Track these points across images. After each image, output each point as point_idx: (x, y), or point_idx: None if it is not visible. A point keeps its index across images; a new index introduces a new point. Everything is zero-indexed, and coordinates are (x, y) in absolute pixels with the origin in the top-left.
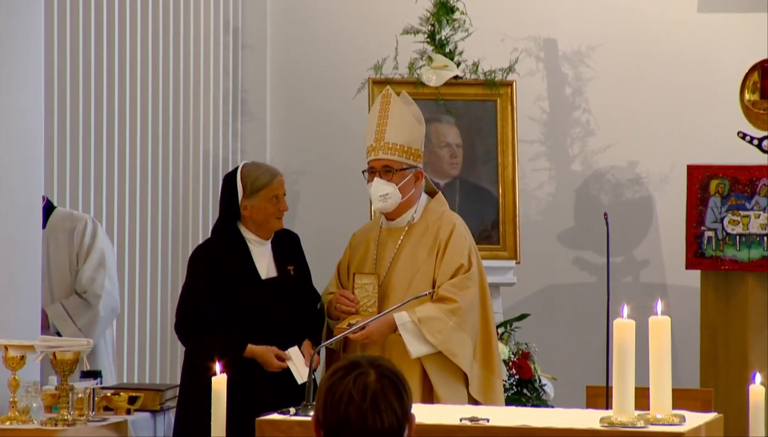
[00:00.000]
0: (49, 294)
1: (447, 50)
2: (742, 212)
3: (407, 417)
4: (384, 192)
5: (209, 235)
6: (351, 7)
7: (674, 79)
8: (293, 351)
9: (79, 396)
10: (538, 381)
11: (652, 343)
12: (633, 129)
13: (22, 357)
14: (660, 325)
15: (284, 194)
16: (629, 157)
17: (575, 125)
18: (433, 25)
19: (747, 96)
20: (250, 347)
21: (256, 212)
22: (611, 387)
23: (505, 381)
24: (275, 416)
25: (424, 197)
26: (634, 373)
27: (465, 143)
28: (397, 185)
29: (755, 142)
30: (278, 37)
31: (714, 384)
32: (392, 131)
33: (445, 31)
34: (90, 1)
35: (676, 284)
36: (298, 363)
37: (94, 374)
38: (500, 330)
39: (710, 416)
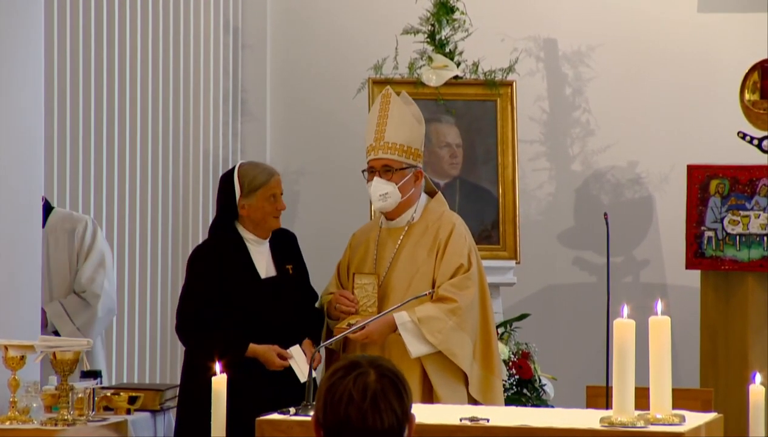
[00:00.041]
0: (48, 294)
1: (447, 50)
2: (742, 212)
3: (407, 417)
4: (384, 191)
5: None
6: (351, 7)
7: (674, 79)
8: (295, 350)
9: (79, 396)
10: (538, 381)
11: (652, 343)
12: (633, 129)
13: (22, 357)
14: (660, 325)
15: (281, 194)
16: (629, 157)
17: (575, 125)
18: (433, 25)
19: (747, 96)
20: (252, 346)
21: (253, 211)
22: (611, 387)
23: (505, 381)
24: (275, 416)
25: (423, 197)
26: (634, 373)
27: (465, 143)
28: (396, 184)
29: (755, 142)
30: (278, 37)
31: (714, 384)
32: (392, 130)
33: (445, 31)
34: (90, 1)
35: (676, 284)
36: (300, 362)
37: (94, 374)
38: (500, 330)
39: (710, 416)
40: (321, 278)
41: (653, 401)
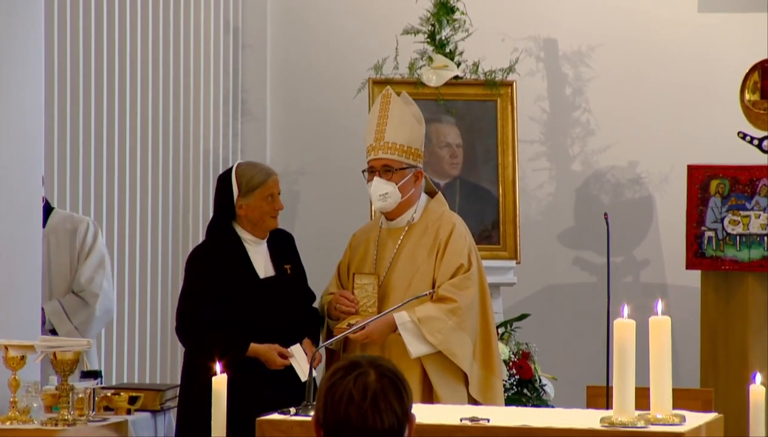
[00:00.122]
0: (49, 295)
1: (447, 50)
2: (742, 212)
3: (407, 417)
4: (384, 191)
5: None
6: (351, 7)
7: (674, 79)
8: (296, 349)
9: (80, 396)
10: (538, 381)
11: (653, 343)
12: (633, 129)
13: (23, 357)
14: (660, 325)
15: (279, 193)
16: (629, 157)
17: (575, 125)
18: (433, 25)
19: (747, 96)
20: (253, 346)
21: (251, 211)
22: (611, 387)
23: (506, 381)
24: (275, 416)
25: (423, 197)
26: (635, 373)
27: (465, 143)
28: (396, 184)
29: (755, 142)
30: (278, 37)
31: (714, 384)
32: (392, 130)
33: (446, 31)
34: (90, 1)
35: (677, 284)
36: (301, 361)
37: (95, 374)
38: (500, 330)
39: (710, 416)
40: (321, 278)
41: (653, 401)
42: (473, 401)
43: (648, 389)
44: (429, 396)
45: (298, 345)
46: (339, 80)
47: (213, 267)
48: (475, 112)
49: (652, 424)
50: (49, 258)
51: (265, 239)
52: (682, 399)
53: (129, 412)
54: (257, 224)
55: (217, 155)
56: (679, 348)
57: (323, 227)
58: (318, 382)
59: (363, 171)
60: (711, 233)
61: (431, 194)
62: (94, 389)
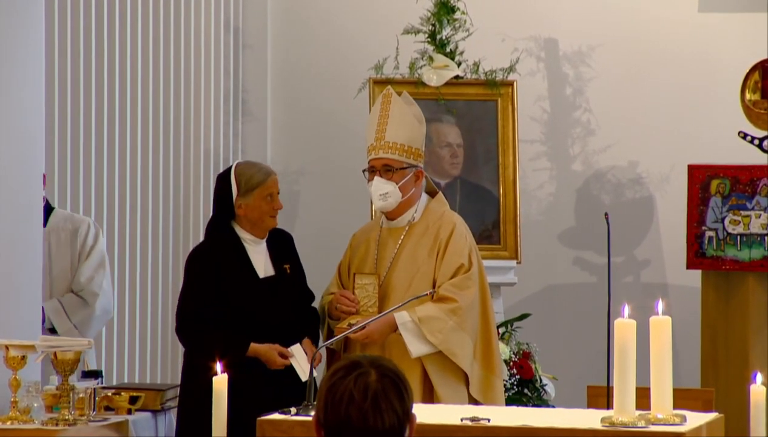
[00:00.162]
0: (49, 295)
1: (448, 50)
2: (742, 212)
3: (408, 417)
4: (384, 191)
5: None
6: (351, 7)
7: (675, 79)
8: (296, 349)
9: (80, 395)
10: (539, 380)
11: (653, 343)
12: (633, 129)
13: (23, 357)
14: (661, 325)
15: (278, 193)
16: (630, 157)
17: (576, 125)
18: (433, 24)
19: (748, 96)
20: (253, 345)
21: (250, 210)
22: (612, 387)
23: (506, 381)
24: (276, 416)
25: (424, 197)
26: (635, 373)
27: (466, 142)
28: (397, 184)
29: (756, 142)
30: (278, 37)
31: (715, 384)
32: (393, 130)
33: (446, 31)
34: (90, 1)
35: (677, 284)
36: (301, 361)
37: (95, 374)
38: (501, 330)
39: (711, 416)
40: (321, 278)
41: (654, 401)
42: (474, 401)
43: (649, 389)
44: (429, 396)
45: (298, 344)
46: (339, 80)
47: (212, 267)
48: (475, 112)
49: (653, 424)
50: (50, 258)
51: (265, 239)
52: (682, 399)
53: (130, 412)
54: (256, 224)
55: (217, 155)
56: (679, 348)
57: (323, 227)
58: (318, 382)
59: (363, 171)
60: (711, 233)
61: (432, 193)
62: (94, 389)
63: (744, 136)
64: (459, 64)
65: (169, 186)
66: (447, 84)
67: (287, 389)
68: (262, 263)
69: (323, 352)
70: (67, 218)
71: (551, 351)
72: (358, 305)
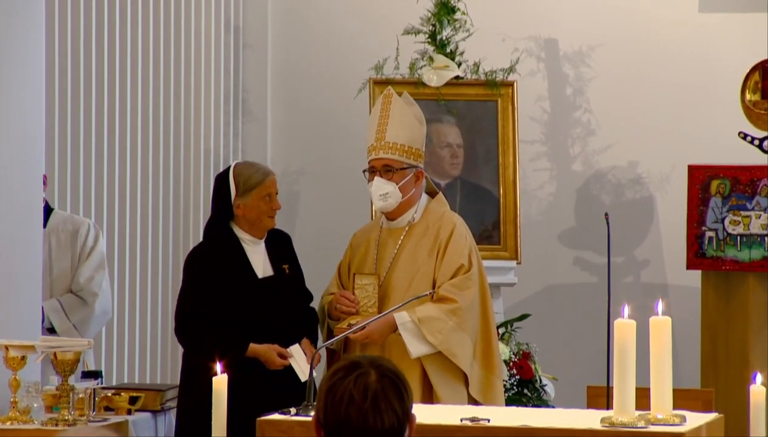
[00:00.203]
0: (49, 295)
1: (448, 50)
2: (742, 213)
3: (408, 417)
4: (384, 191)
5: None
6: (351, 7)
7: (675, 79)
8: (295, 349)
9: (80, 396)
10: (538, 381)
11: (653, 343)
12: (634, 129)
13: (23, 357)
14: (661, 325)
15: (276, 193)
16: (630, 157)
17: (576, 125)
18: (434, 25)
19: (748, 96)
20: (252, 346)
21: (249, 210)
22: (612, 388)
23: (506, 381)
24: (276, 416)
25: (424, 197)
26: (635, 373)
27: (466, 143)
28: (397, 184)
29: (756, 142)
30: (278, 37)
31: (714, 385)
32: (393, 130)
33: (446, 32)
34: (90, 1)
35: (677, 285)
36: (300, 361)
37: (95, 374)
38: (501, 330)
39: (711, 416)
40: (321, 278)
41: (654, 401)
42: (473, 401)
43: (648, 389)
44: (429, 396)
45: (297, 345)
46: (339, 80)
47: (211, 268)
48: (475, 112)
49: (653, 424)
50: (50, 259)
51: (263, 239)
52: (682, 399)
53: (129, 412)
54: (255, 224)
55: (217, 155)
56: (679, 348)
57: (323, 227)
58: (318, 382)
59: (364, 171)
60: (711, 233)
61: (432, 194)
62: (94, 389)
63: (744, 136)
64: (459, 65)
65: (169, 186)
66: (447, 84)
67: (286, 389)
68: (260, 264)
69: (323, 352)
70: (67, 220)
71: (551, 352)
72: (357, 306)
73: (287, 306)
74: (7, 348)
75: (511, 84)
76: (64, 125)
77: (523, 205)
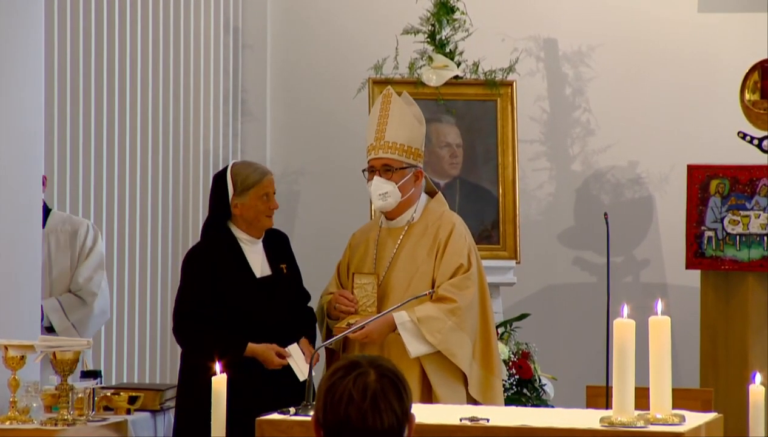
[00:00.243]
0: (48, 296)
1: (447, 50)
2: (742, 212)
3: (407, 417)
4: (383, 191)
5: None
6: (351, 7)
7: (674, 79)
8: (293, 349)
9: (79, 395)
10: (538, 380)
11: (652, 343)
12: (633, 129)
13: (22, 357)
14: (660, 325)
15: (274, 193)
16: (629, 157)
17: (575, 125)
18: (433, 25)
19: (747, 96)
20: (251, 345)
21: (246, 210)
22: (611, 387)
23: (505, 381)
24: (275, 416)
25: (423, 197)
26: (634, 373)
27: (465, 142)
28: (396, 183)
29: (755, 142)
30: (278, 37)
31: (714, 384)
32: (392, 130)
33: (446, 31)
34: (90, 1)
35: (676, 284)
36: (298, 360)
37: (94, 374)
38: (500, 330)
39: (710, 416)
40: (321, 278)
41: (653, 401)
42: (473, 401)
43: (648, 389)
44: (428, 396)
45: (295, 344)
46: (339, 80)
47: (209, 267)
48: (475, 112)
49: (652, 424)
50: (50, 260)
51: (261, 239)
52: (681, 399)
53: (129, 412)
54: (252, 224)
55: (217, 155)
56: (678, 348)
57: (323, 227)
58: (316, 382)
59: (363, 170)
60: (711, 233)
61: (431, 193)
62: (93, 389)
63: (743, 136)
64: (458, 65)
65: (168, 186)
66: (446, 84)
67: (285, 389)
68: (258, 263)
69: (322, 352)
70: (66, 220)
71: (550, 351)
72: (356, 305)
73: (285, 306)
74: (6, 347)
75: (510, 84)
76: (63, 125)
77: (522, 205)
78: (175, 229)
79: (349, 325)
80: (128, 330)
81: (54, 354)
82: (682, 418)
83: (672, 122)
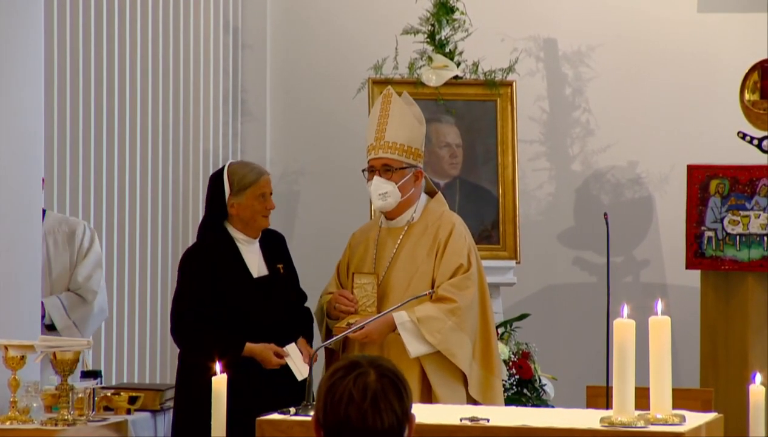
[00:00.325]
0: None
1: (447, 50)
2: (742, 212)
3: (407, 417)
4: (383, 190)
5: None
6: (351, 7)
7: (674, 79)
8: (291, 348)
9: (79, 395)
10: (538, 380)
11: (652, 343)
12: (633, 129)
13: (22, 357)
14: (660, 325)
15: (271, 193)
16: (629, 157)
17: (575, 125)
18: (433, 25)
19: (747, 96)
20: (249, 345)
21: (243, 209)
22: (611, 387)
23: (505, 381)
24: (275, 416)
25: (423, 197)
26: (635, 373)
27: (465, 143)
28: (396, 183)
29: (755, 142)
30: (278, 37)
31: (714, 384)
32: (392, 130)
33: (445, 31)
34: (90, 1)
35: (676, 284)
36: (296, 360)
37: (94, 374)
38: (500, 330)
39: (710, 416)
40: (320, 278)
41: (653, 401)
42: (473, 401)
43: (648, 389)
44: (428, 396)
45: (293, 344)
46: (339, 80)
47: (206, 267)
48: (474, 112)
49: (652, 424)
50: (48, 261)
51: (258, 239)
52: (681, 399)
53: (129, 412)
54: (249, 224)
55: (217, 155)
56: (679, 348)
57: (323, 227)
58: (316, 382)
59: (363, 170)
60: (711, 233)
61: (431, 193)
62: (93, 389)
63: (743, 136)
64: (458, 65)
65: (168, 186)
66: (446, 84)
67: (284, 389)
68: (255, 263)
69: (321, 352)
70: (62, 221)
71: (550, 351)
72: (356, 305)
73: (282, 306)
74: (6, 347)
75: (510, 84)
76: (63, 125)
77: (522, 205)
78: (175, 229)
79: (349, 325)
80: (128, 330)
81: (54, 354)
82: (683, 418)
83: (672, 122)
